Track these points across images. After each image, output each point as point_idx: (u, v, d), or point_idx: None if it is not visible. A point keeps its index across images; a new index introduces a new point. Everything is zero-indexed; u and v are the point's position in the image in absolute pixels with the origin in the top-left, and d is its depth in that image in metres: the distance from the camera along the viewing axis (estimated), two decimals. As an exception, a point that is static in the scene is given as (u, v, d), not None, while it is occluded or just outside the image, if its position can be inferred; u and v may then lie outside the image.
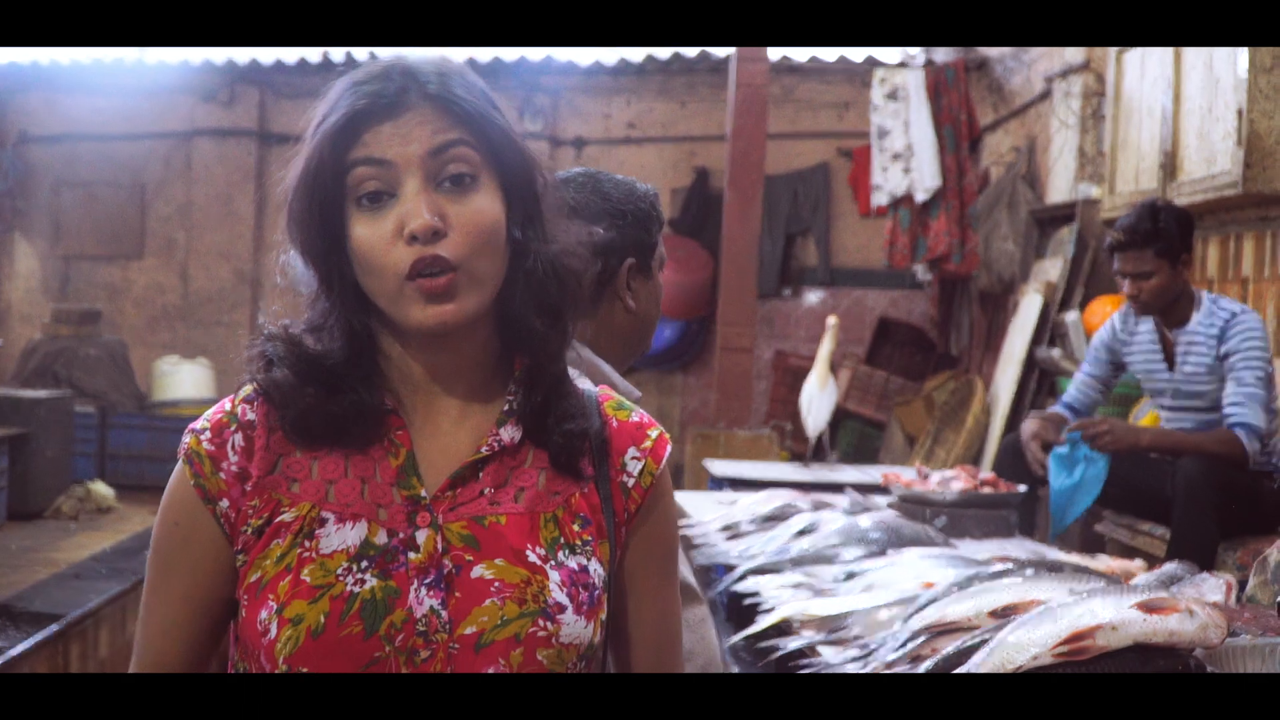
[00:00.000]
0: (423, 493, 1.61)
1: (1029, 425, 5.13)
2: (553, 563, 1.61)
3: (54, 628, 5.16)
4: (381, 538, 1.58)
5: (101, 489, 8.10)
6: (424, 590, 1.56)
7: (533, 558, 1.60)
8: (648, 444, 1.73)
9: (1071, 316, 7.11)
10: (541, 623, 1.56)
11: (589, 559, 1.64)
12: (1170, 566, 3.38)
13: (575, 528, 1.65)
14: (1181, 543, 4.51)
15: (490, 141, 1.61)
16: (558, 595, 1.58)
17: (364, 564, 1.56)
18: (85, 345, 9.71)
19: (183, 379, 10.05)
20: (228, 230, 11.23)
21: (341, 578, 1.55)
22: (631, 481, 1.70)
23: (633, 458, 1.71)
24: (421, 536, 1.58)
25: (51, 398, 8.03)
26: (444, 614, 1.55)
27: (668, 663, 1.76)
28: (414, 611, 1.54)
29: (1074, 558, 3.67)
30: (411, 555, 1.57)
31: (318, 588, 1.54)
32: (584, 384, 1.75)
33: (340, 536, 1.57)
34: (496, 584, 1.57)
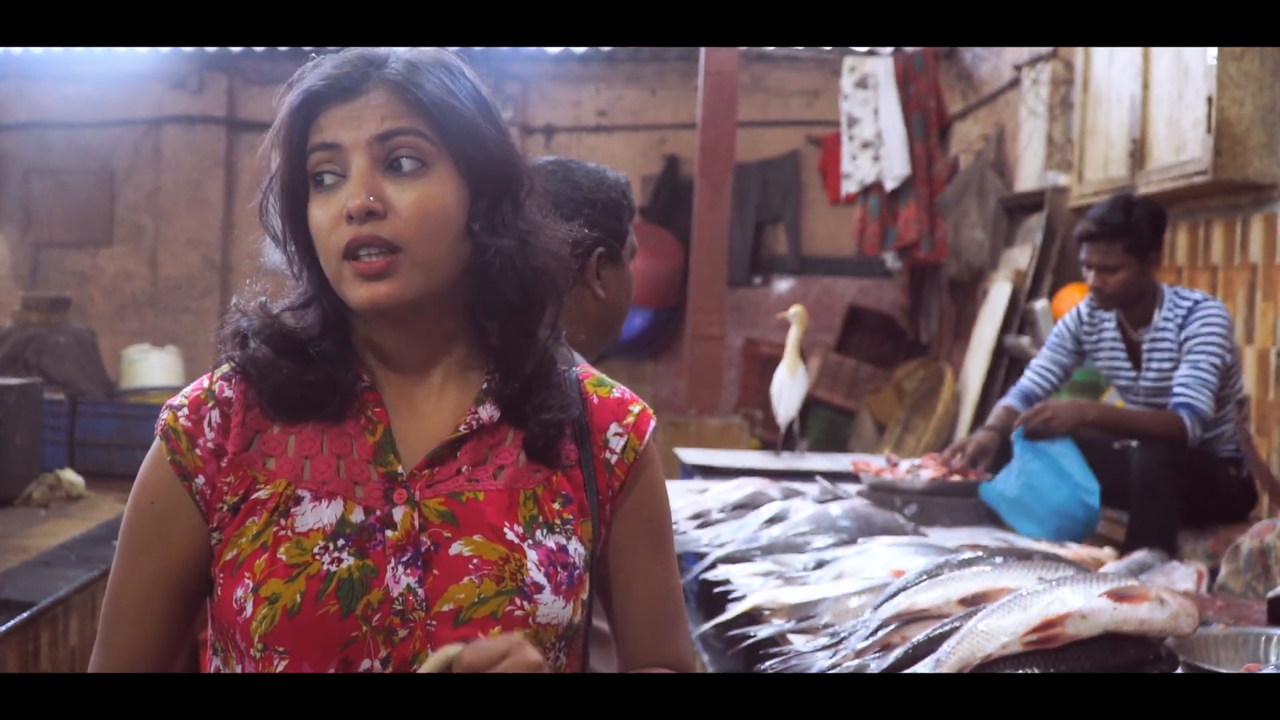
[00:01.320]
0: (400, 469, 1.61)
1: (978, 441, 4.99)
2: (530, 541, 1.61)
3: (24, 615, 5.14)
4: (358, 515, 1.58)
5: (71, 477, 8.05)
6: (401, 568, 1.56)
7: (510, 535, 1.60)
8: (629, 420, 1.74)
9: (1040, 304, 7.14)
10: (518, 601, 1.57)
11: (569, 538, 1.64)
12: (1140, 555, 3.41)
13: (555, 506, 1.65)
14: (1139, 530, 4.50)
15: (449, 131, 1.60)
16: (535, 574, 1.59)
17: (340, 542, 1.56)
18: (55, 333, 9.65)
19: (151, 366, 10.00)
20: (196, 217, 11.18)
21: (318, 556, 1.55)
22: (614, 458, 1.71)
23: (615, 434, 1.72)
24: (399, 514, 1.59)
25: (21, 385, 7.97)
26: (420, 592, 1.55)
27: (668, 640, 1.76)
28: (391, 590, 1.55)
29: (1043, 545, 3.69)
30: (389, 533, 1.58)
31: (294, 566, 1.54)
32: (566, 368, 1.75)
33: (316, 515, 1.58)
34: (475, 561, 1.57)
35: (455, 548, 1.58)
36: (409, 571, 1.56)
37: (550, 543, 1.62)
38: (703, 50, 8.12)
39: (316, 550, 1.55)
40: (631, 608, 1.74)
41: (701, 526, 3.94)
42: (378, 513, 1.59)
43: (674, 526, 3.93)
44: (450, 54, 1.68)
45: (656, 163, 10.99)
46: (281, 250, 1.65)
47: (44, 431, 8.37)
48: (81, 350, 9.74)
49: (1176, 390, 4.62)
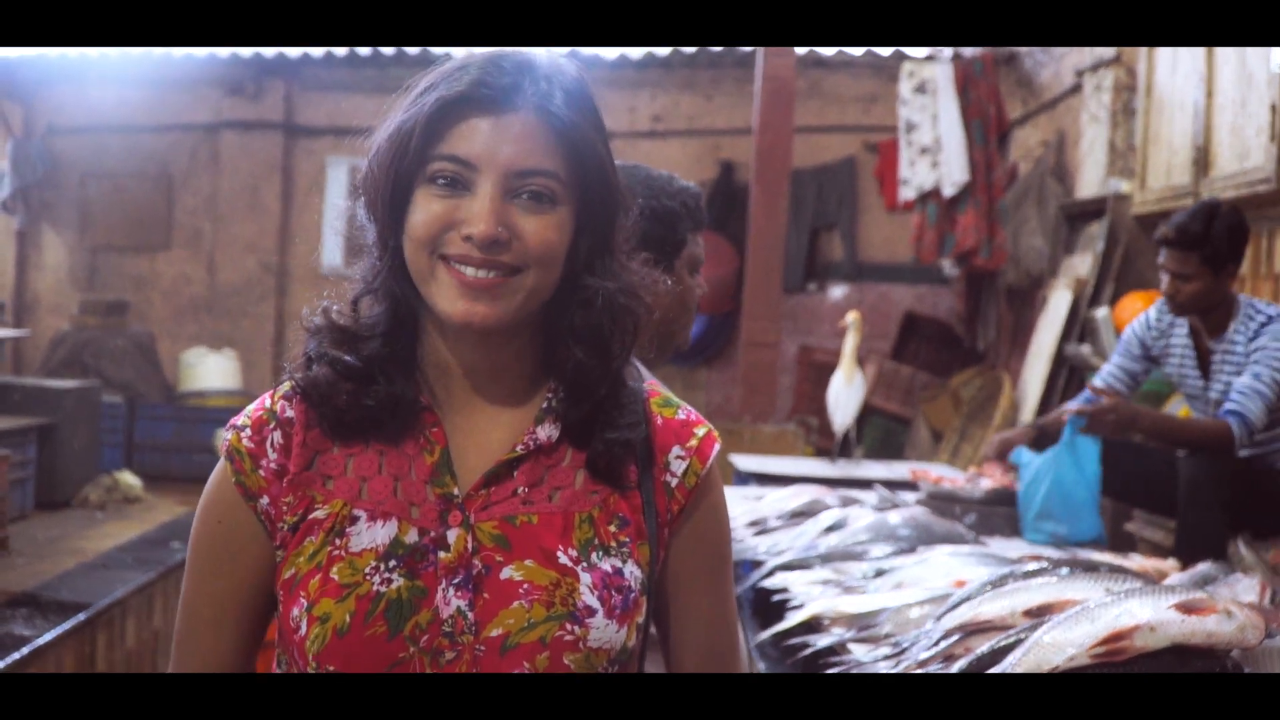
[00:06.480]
0: (455, 491, 1.60)
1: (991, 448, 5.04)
2: (585, 564, 1.58)
3: (81, 617, 5.17)
4: (412, 536, 1.57)
5: (129, 479, 8.13)
6: (452, 590, 1.55)
7: (564, 559, 1.58)
8: (693, 443, 1.69)
9: (1101, 313, 7.07)
10: (569, 626, 1.54)
11: (625, 561, 1.61)
12: (1204, 566, 3.36)
13: (611, 528, 1.62)
14: (1188, 539, 4.46)
15: (581, 168, 1.59)
16: (588, 598, 1.56)
17: (392, 563, 1.55)
18: (113, 336, 9.75)
19: (209, 370, 10.07)
20: (254, 222, 11.25)
21: (369, 577, 1.54)
22: (675, 481, 1.67)
23: (677, 457, 1.67)
24: (452, 535, 1.57)
25: (79, 388, 8.06)
26: (470, 615, 1.54)
27: (720, 669, 1.72)
28: (440, 612, 1.54)
29: (1108, 556, 3.64)
30: (441, 554, 1.56)
31: (345, 586, 1.54)
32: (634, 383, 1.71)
33: (370, 535, 1.57)
34: (525, 586, 1.55)
35: (506, 572, 1.56)
36: (459, 594, 1.55)
37: (606, 566, 1.59)
38: (759, 55, 8.09)
39: (368, 570, 1.55)
40: (685, 634, 1.71)
41: (759, 534, 3.92)
42: (432, 534, 1.57)
43: (731, 534, 3.92)
44: (579, 69, 1.65)
45: (712, 168, 10.97)
46: (375, 224, 1.61)
47: (102, 434, 8.46)
48: (140, 353, 9.83)
49: (1231, 397, 4.59)
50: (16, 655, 4.62)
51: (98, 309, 9.97)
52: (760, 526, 4.00)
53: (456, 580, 1.55)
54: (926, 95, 9.09)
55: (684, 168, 10.68)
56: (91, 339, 9.68)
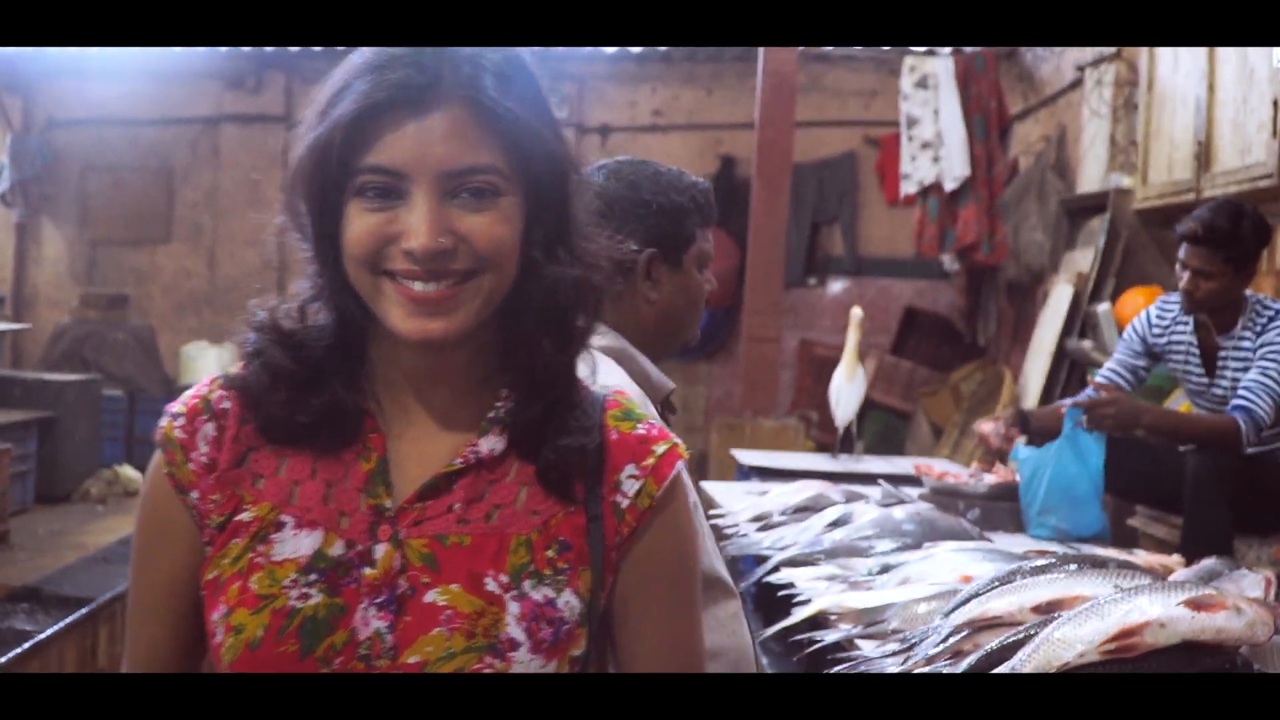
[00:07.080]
0: (388, 503, 1.50)
1: (985, 426, 5.01)
2: (514, 593, 1.47)
3: (82, 611, 5.17)
4: (338, 549, 1.48)
5: (129, 473, 8.14)
6: (372, 610, 1.45)
7: (492, 586, 1.47)
8: (650, 461, 1.55)
9: (1103, 308, 7.07)
10: (489, 659, 1.44)
11: (560, 591, 1.49)
12: (1209, 562, 3.36)
13: (549, 554, 1.50)
14: (1194, 535, 4.46)
15: (522, 152, 1.47)
16: (513, 630, 1.45)
17: (312, 577, 1.46)
18: (113, 330, 9.75)
19: (210, 364, 10.08)
20: (254, 216, 11.22)
21: (286, 589, 1.45)
22: (625, 503, 1.53)
23: (629, 476, 1.54)
24: (380, 551, 1.48)
25: (79, 382, 8.06)
26: (389, 638, 1.45)
27: None
28: (358, 633, 1.45)
29: (1112, 552, 3.64)
30: (366, 570, 1.47)
31: (261, 598, 1.45)
32: (596, 389, 1.61)
33: (294, 544, 1.48)
34: (448, 612, 1.45)
35: (430, 595, 1.46)
36: (381, 615, 1.45)
37: (537, 595, 1.48)
38: (761, 50, 8.09)
39: (286, 583, 1.46)
40: (637, 664, 1.57)
41: (762, 529, 3.92)
42: (359, 547, 1.48)
43: (734, 529, 3.92)
44: (516, 53, 1.53)
45: (712, 163, 10.96)
46: (309, 242, 1.54)
47: (102, 428, 8.47)
48: (140, 347, 9.83)
49: (1238, 393, 4.58)
50: (18, 650, 4.62)
51: (98, 303, 9.97)
52: (764, 522, 4.00)
53: (379, 600, 1.46)
54: (928, 90, 9.09)
55: (685, 162, 10.55)
56: (92, 333, 9.68)
